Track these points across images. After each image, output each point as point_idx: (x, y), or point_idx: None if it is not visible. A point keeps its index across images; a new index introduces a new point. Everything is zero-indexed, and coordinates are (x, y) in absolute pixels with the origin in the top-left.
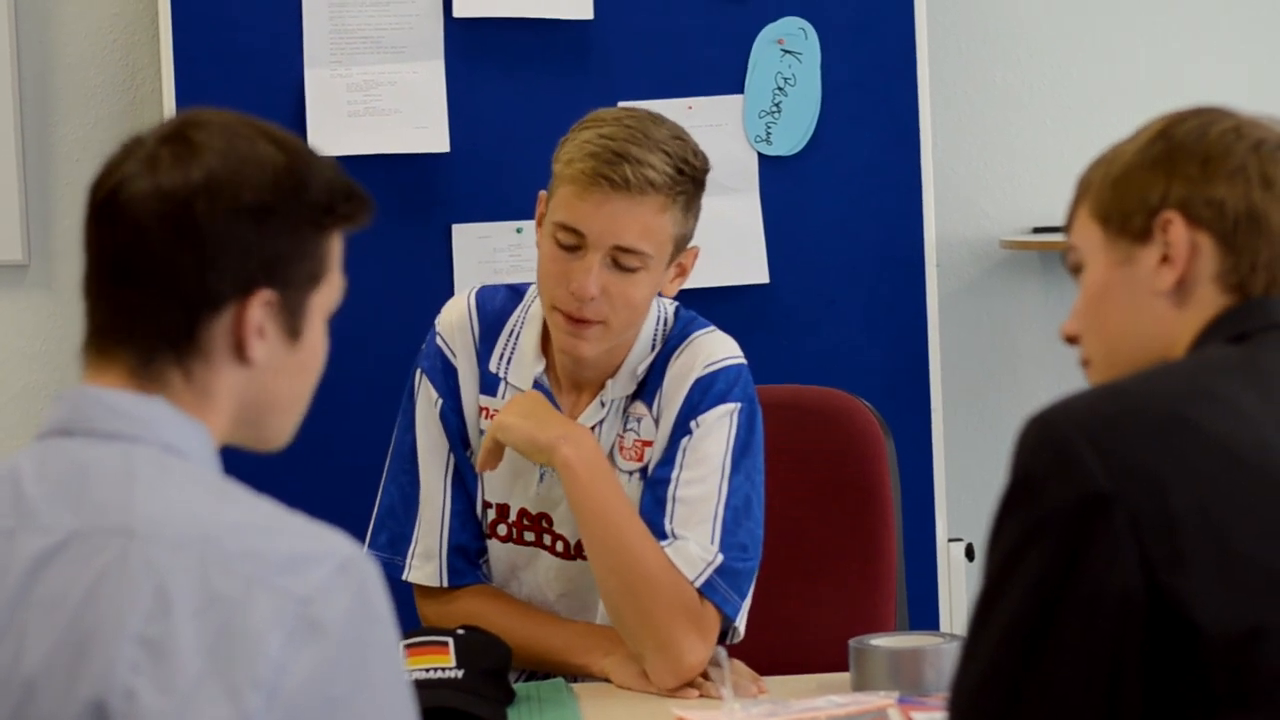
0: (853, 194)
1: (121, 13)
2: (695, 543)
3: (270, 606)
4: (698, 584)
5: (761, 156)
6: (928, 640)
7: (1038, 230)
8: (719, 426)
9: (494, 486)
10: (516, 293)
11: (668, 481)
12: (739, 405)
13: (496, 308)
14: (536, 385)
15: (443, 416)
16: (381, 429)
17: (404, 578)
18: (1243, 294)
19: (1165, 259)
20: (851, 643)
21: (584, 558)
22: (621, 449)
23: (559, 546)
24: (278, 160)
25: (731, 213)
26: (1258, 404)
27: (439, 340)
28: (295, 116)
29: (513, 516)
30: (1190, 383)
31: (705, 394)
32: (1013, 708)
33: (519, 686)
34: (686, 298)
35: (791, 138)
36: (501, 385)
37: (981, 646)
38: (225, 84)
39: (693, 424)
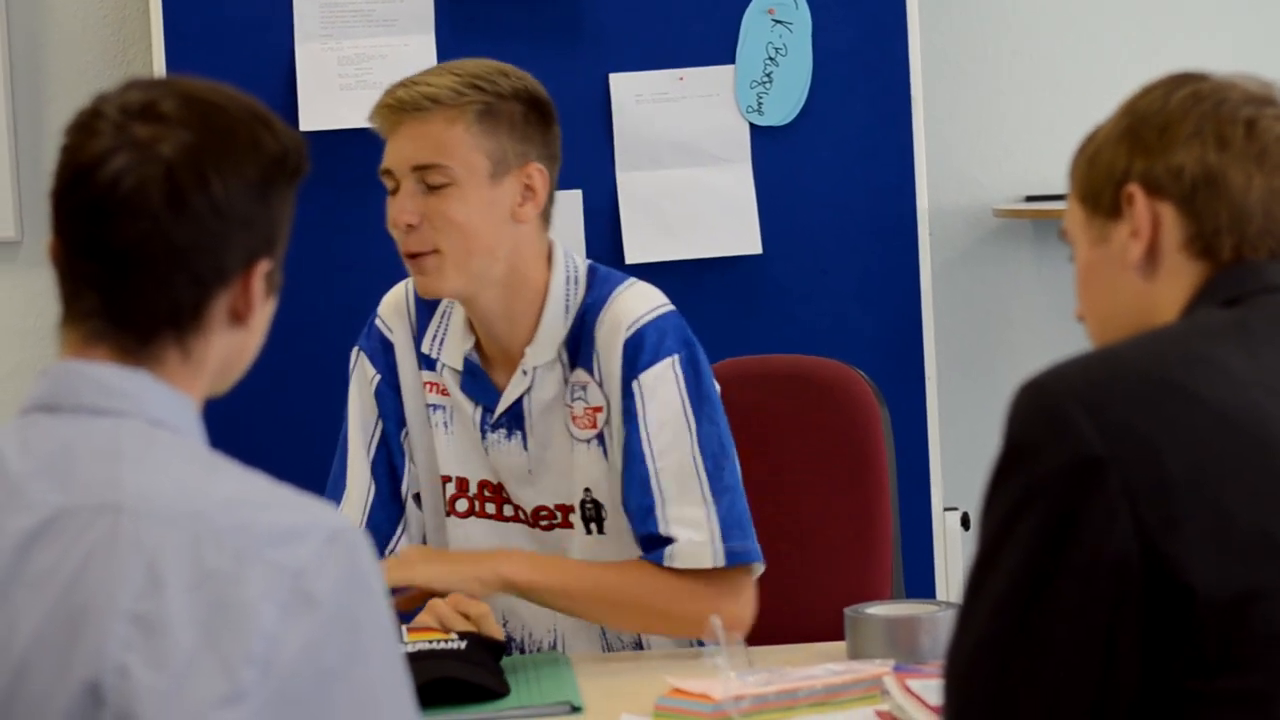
0: (845, 163)
1: None
2: (689, 529)
3: (262, 580)
4: (716, 564)
5: (753, 126)
6: (923, 609)
7: (1031, 199)
8: (664, 383)
9: (450, 459)
10: None
11: (641, 457)
12: (676, 355)
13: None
14: (466, 361)
15: (378, 393)
16: None
17: None
18: (1212, 259)
19: (1134, 233)
20: (847, 611)
21: (543, 526)
22: (574, 419)
23: (521, 515)
24: (261, 130)
25: (724, 183)
26: (1249, 367)
27: (378, 322)
28: (286, 90)
29: (473, 490)
30: (1182, 347)
31: (638, 353)
32: (1008, 673)
33: (517, 659)
34: (680, 268)
35: (783, 107)
36: (438, 365)
37: (977, 613)
38: (216, 58)
39: (634, 386)
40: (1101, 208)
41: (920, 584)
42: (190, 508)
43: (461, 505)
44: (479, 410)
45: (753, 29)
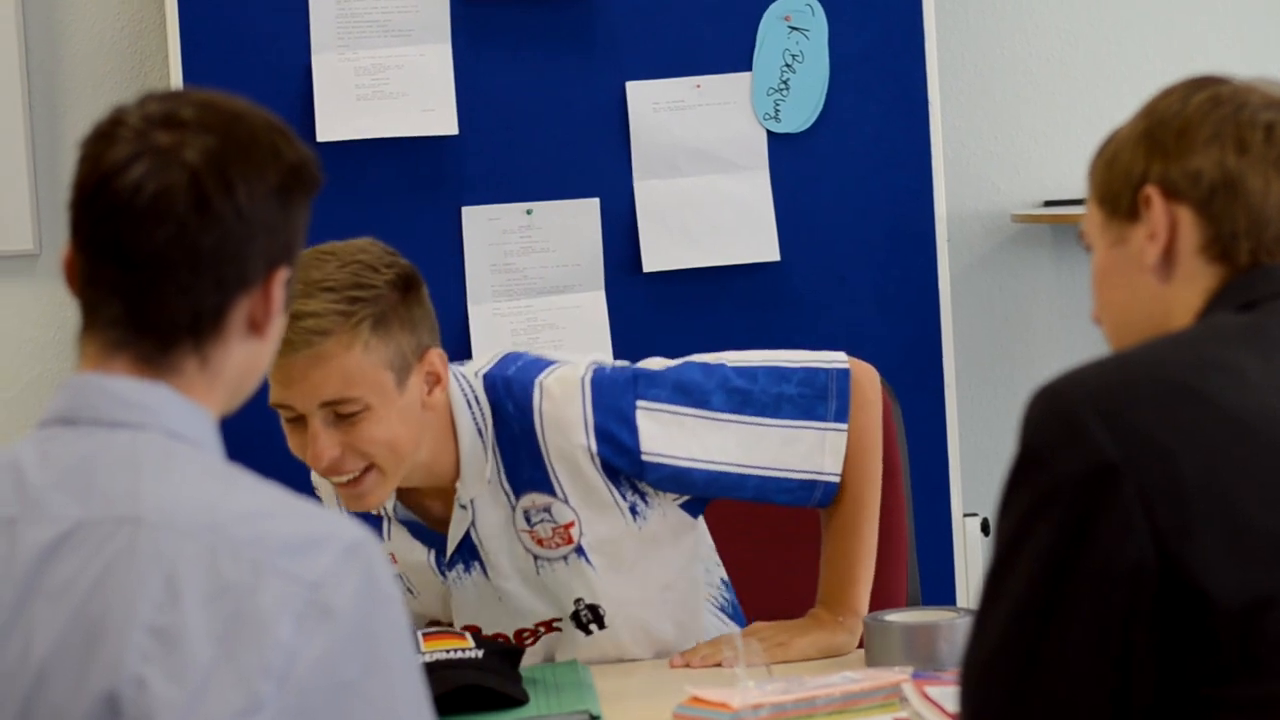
0: (863, 170)
1: (128, 1)
2: (808, 456)
3: (279, 592)
4: (840, 431)
5: (770, 134)
6: (942, 615)
7: (1049, 203)
8: (656, 426)
9: (421, 621)
10: None
11: (720, 477)
12: (633, 401)
13: None
14: (399, 516)
15: None
16: None
17: None
18: (1229, 263)
19: (1151, 235)
20: (866, 618)
21: (528, 644)
22: (539, 541)
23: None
24: (280, 139)
25: (741, 191)
26: (1265, 371)
27: (314, 491)
28: (303, 101)
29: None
30: (1197, 352)
31: (620, 445)
32: (1024, 679)
33: (536, 668)
34: (698, 276)
35: (800, 114)
36: (385, 523)
37: (992, 619)
38: (233, 70)
39: (645, 460)
40: (1119, 210)
41: (940, 590)
42: (208, 520)
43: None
44: (431, 554)
45: (769, 36)
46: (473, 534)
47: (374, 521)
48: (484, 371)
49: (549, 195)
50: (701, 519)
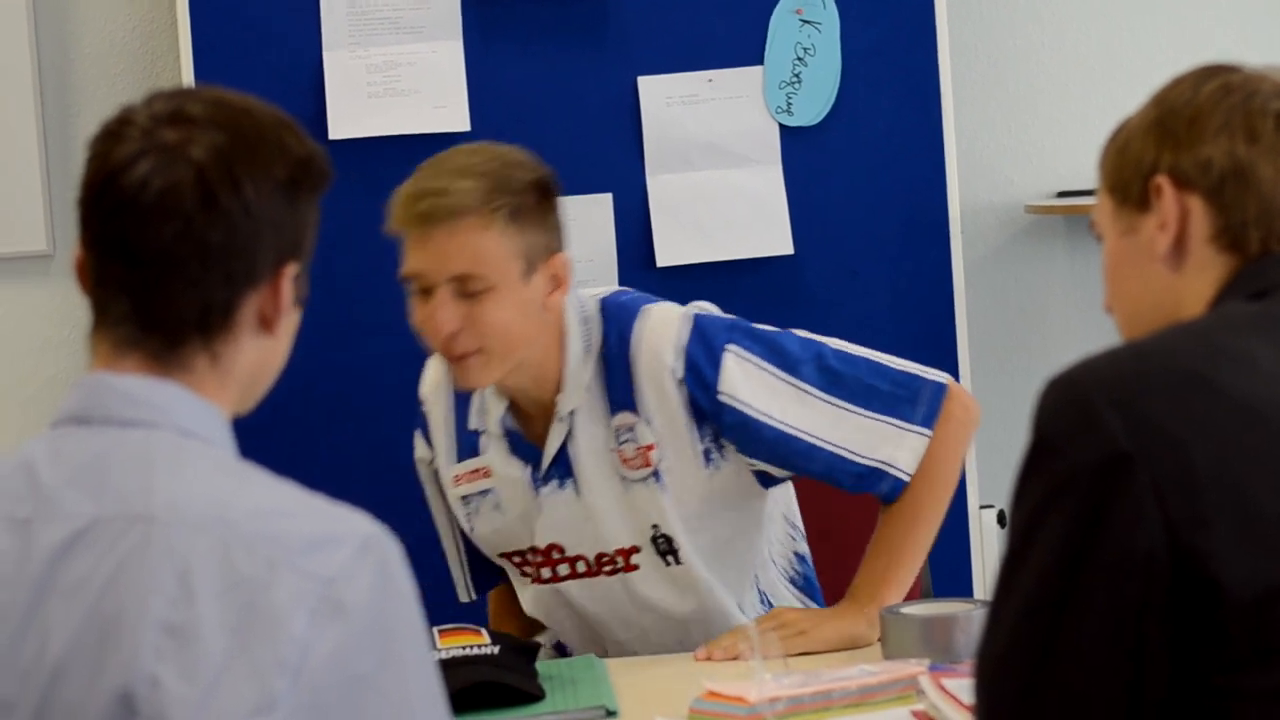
0: (875, 162)
1: (139, 2)
2: (887, 449)
3: (293, 588)
4: (926, 438)
5: (783, 127)
6: (959, 607)
7: (1062, 194)
8: (742, 374)
9: (501, 539)
10: None
11: (791, 440)
12: (731, 346)
13: None
14: (503, 429)
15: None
16: (397, 413)
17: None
18: (1240, 252)
19: (1162, 225)
20: (882, 611)
21: (606, 572)
22: (624, 461)
23: (580, 566)
24: (287, 134)
25: (754, 184)
26: (1277, 360)
27: (421, 404)
28: (315, 99)
29: (537, 558)
30: (1209, 341)
31: (701, 375)
32: (1039, 669)
33: (552, 663)
34: (712, 270)
35: (812, 108)
36: (483, 438)
37: (1006, 609)
38: (244, 69)
39: (721, 400)
40: (1130, 199)
41: (957, 582)
42: (221, 517)
43: (528, 570)
44: (528, 470)
45: (781, 29)
46: (569, 447)
47: (473, 440)
48: (600, 296)
49: (562, 191)
50: (789, 490)
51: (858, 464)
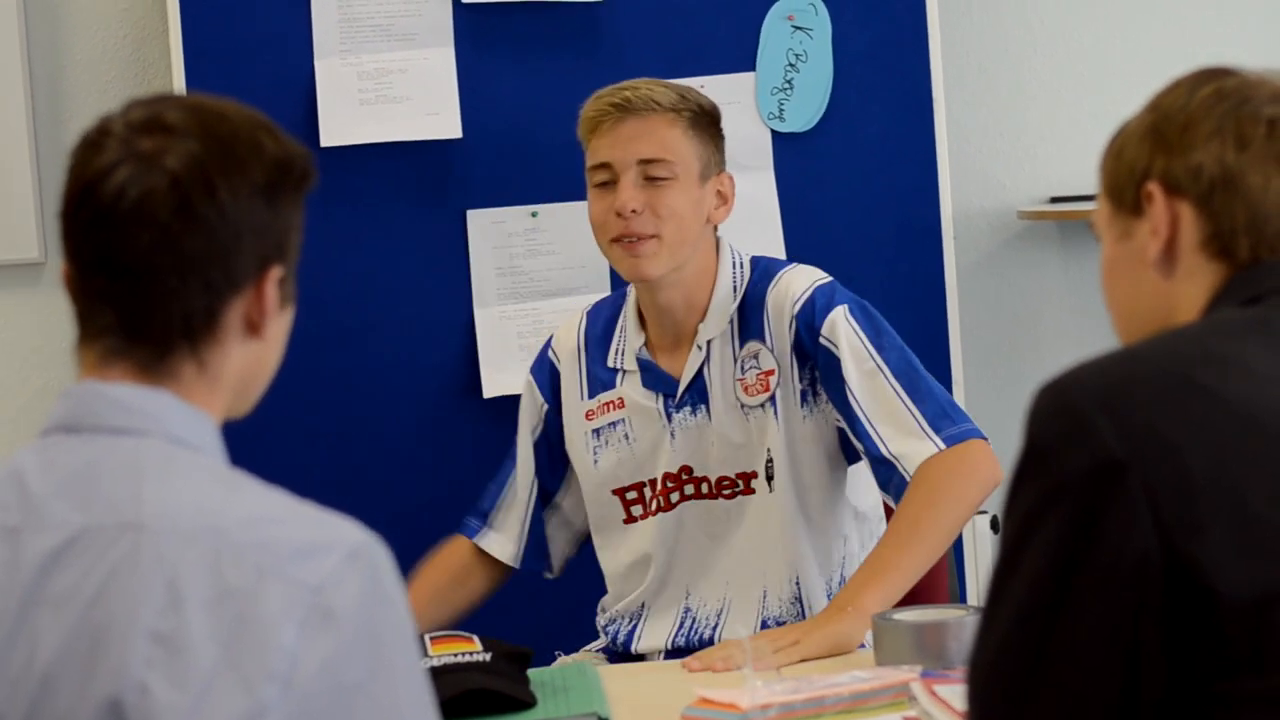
0: (868, 168)
1: (131, 8)
2: (912, 443)
3: (282, 596)
4: (939, 449)
5: (775, 133)
6: (951, 613)
7: (1055, 200)
8: (844, 331)
9: (626, 471)
10: (619, 297)
11: (854, 407)
12: (845, 305)
13: (606, 315)
14: (640, 362)
15: (546, 418)
16: (397, 413)
17: (474, 538)
18: (1230, 260)
19: (1153, 231)
20: (875, 617)
21: (725, 495)
22: (745, 388)
23: (704, 488)
24: (265, 137)
25: (747, 190)
26: (1271, 365)
27: (550, 353)
28: (307, 107)
29: (658, 487)
30: (1202, 346)
31: (812, 314)
32: (1031, 676)
33: (544, 671)
34: None
35: (804, 114)
36: (619, 375)
37: (998, 617)
38: (236, 76)
39: (821, 342)
40: (1125, 204)
41: (951, 588)
42: (211, 525)
43: (637, 510)
44: (661, 399)
45: (772, 35)
46: (705, 373)
47: (608, 377)
48: (755, 255)
49: (554, 198)
50: (876, 507)
51: (879, 451)
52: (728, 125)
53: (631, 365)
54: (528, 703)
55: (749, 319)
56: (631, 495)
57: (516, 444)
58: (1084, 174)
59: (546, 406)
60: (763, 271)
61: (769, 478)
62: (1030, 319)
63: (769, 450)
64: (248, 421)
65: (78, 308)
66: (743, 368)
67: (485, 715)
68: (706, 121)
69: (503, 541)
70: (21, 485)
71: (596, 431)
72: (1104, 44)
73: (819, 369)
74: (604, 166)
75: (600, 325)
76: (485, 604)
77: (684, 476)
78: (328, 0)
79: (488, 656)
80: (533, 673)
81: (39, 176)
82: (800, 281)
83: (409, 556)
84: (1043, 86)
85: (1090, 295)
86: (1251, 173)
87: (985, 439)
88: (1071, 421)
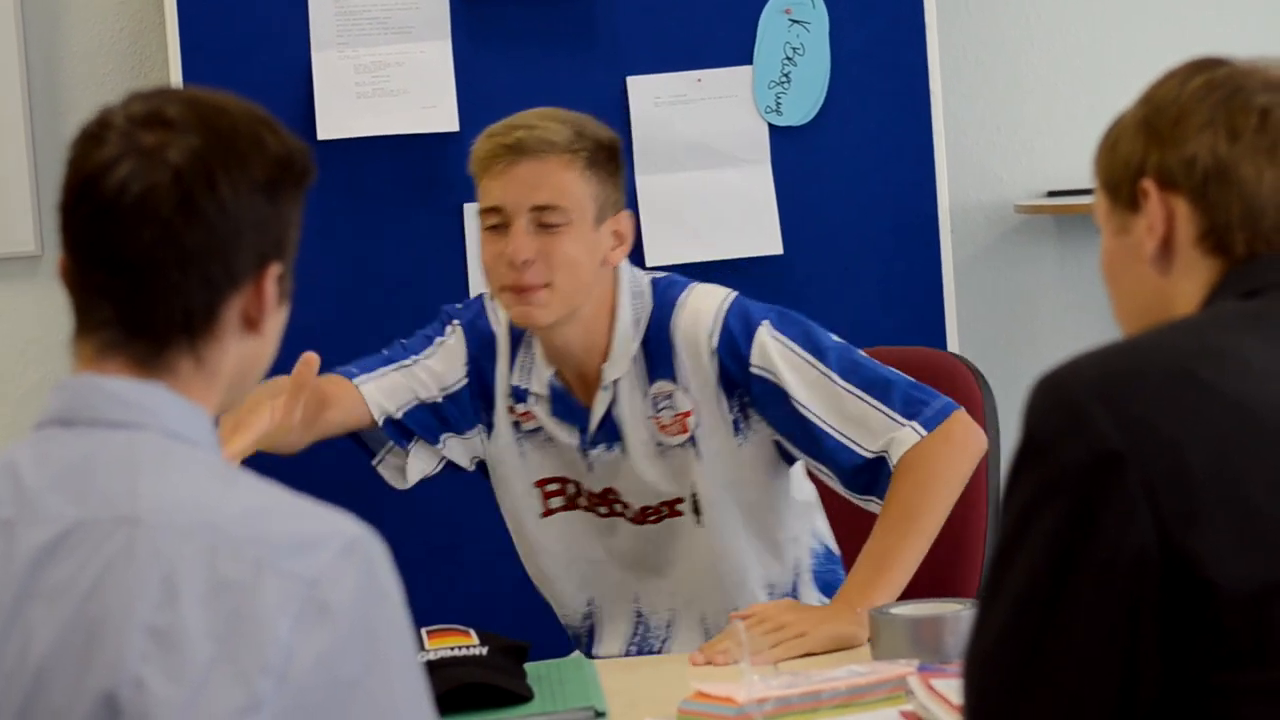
0: (865, 162)
1: (127, 1)
2: (891, 436)
3: (278, 590)
4: (920, 436)
5: (772, 127)
6: (947, 608)
7: (1052, 194)
8: (776, 353)
9: (548, 467)
10: None
11: (809, 424)
12: (766, 321)
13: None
14: (550, 388)
15: (456, 395)
16: None
17: (353, 380)
18: (1225, 255)
19: (1149, 227)
20: (871, 611)
21: (651, 521)
22: (662, 427)
23: (629, 514)
24: (265, 132)
25: (743, 184)
26: (1269, 358)
27: (488, 305)
28: (303, 100)
29: (576, 491)
30: (1201, 339)
31: (735, 346)
32: (1028, 668)
33: (541, 665)
34: (701, 270)
35: (802, 107)
36: (529, 395)
37: (995, 609)
38: (233, 69)
39: (753, 373)
40: (1120, 199)
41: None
42: (206, 519)
43: (557, 502)
44: (575, 433)
45: (770, 29)
46: (614, 412)
47: (522, 395)
48: (655, 277)
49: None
50: (813, 492)
51: (859, 455)
52: (724, 119)
53: (541, 390)
54: (525, 696)
55: (656, 357)
56: (553, 487)
57: (418, 359)
58: (1081, 168)
59: (465, 383)
60: (662, 298)
61: (696, 511)
62: (1027, 312)
63: (693, 486)
64: None
65: (76, 301)
66: (655, 406)
67: (482, 709)
68: (604, 158)
69: (379, 399)
70: (16, 478)
71: (516, 424)
72: (1100, 37)
73: (752, 397)
74: (495, 210)
75: (516, 329)
76: (482, 601)
77: (609, 497)
78: None
79: (484, 650)
80: (529, 667)
81: (35, 169)
82: (706, 310)
83: (404, 550)
84: (1039, 80)
85: (1087, 288)
86: (1244, 164)
87: (959, 408)
88: (1069, 414)
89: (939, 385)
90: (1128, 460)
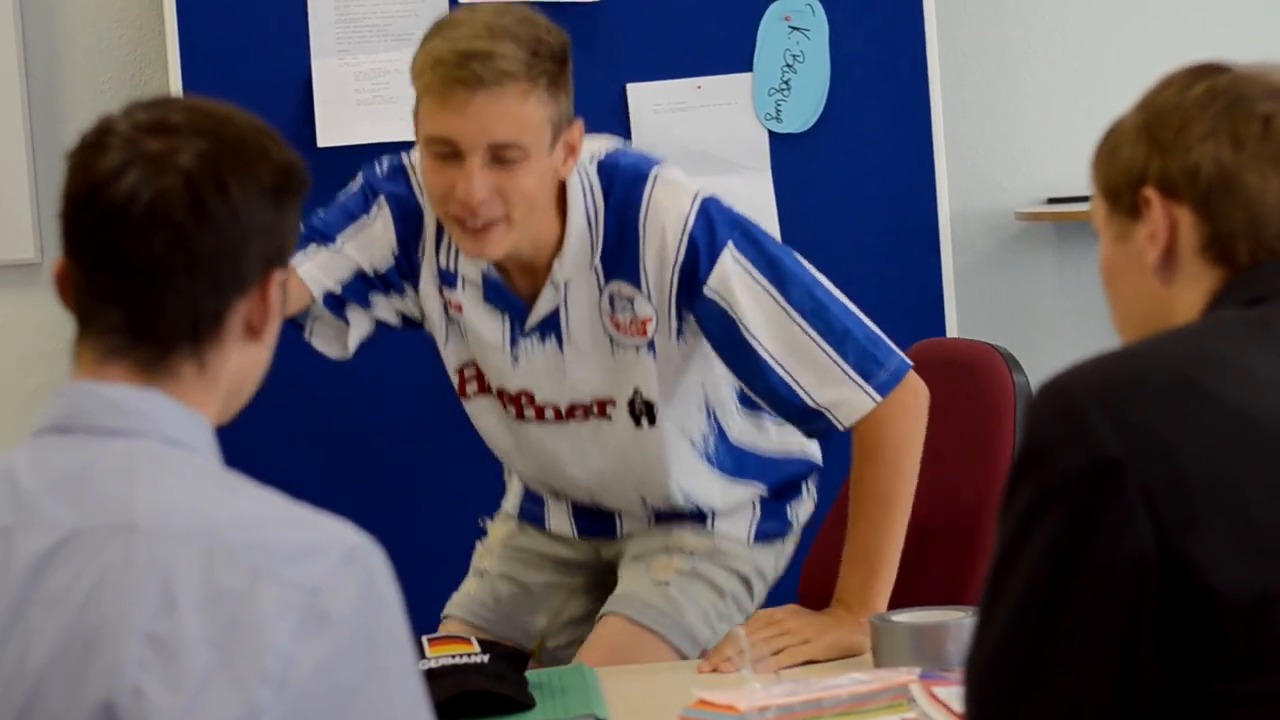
0: (865, 169)
1: (127, 8)
2: (837, 393)
3: (277, 598)
4: (876, 402)
5: (772, 134)
6: (949, 615)
7: (1053, 200)
8: (734, 276)
9: (465, 354)
10: None
11: (754, 352)
12: (730, 243)
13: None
14: (485, 279)
15: (396, 258)
16: (393, 415)
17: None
18: (1229, 264)
19: (1151, 236)
20: (873, 619)
21: (577, 418)
22: (618, 326)
23: (548, 414)
24: (268, 142)
25: (743, 191)
26: (1270, 366)
27: (412, 178)
28: (304, 107)
29: (493, 390)
30: (1201, 346)
31: (695, 263)
32: (1028, 675)
33: (542, 672)
34: None
35: (802, 114)
36: (458, 280)
37: (995, 615)
38: (232, 77)
39: (706, 293)
40: (1121, 205)
41: None
42: (204, 526)
43: (472, 387)
44: (505, 320)
45: (770, 36)
46: (560, 312)
47: (450, 279)
48: (598, 158)
49: None
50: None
51: (804, 402)
52: (724, 126)
53: (473, 276)
54: (526, 704)
55: (618, 256)
56: (470, 372)
57: (344, 237)
58: (1081, 174)
59: (392, 265)
60: (621, 188)
61: (638, 414)
62: (1027, 319)
63: (638, 389)
64: (243, 422)
65: (79, 307)
66: (613, 304)
67: (483, 717)
68: (558, 71)
69: (317, 277)
70: (13, 485)
71: (445, 308)
72: (1101, 44)
73: (698, 316)
74: (445, 141)
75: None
76: None
77: (522, 401)
78: (324, 0)
79: (485, 658)
80: (530, 674)
81: (35, 177)
82: (675, 216)
83: (406, 558)
84: (1040, 87)
85: (1087, 295)
86: (1248, 173)
87: (910, 367)
88: (1069, 421)
89: (980, 384)
90: (1127, 467)
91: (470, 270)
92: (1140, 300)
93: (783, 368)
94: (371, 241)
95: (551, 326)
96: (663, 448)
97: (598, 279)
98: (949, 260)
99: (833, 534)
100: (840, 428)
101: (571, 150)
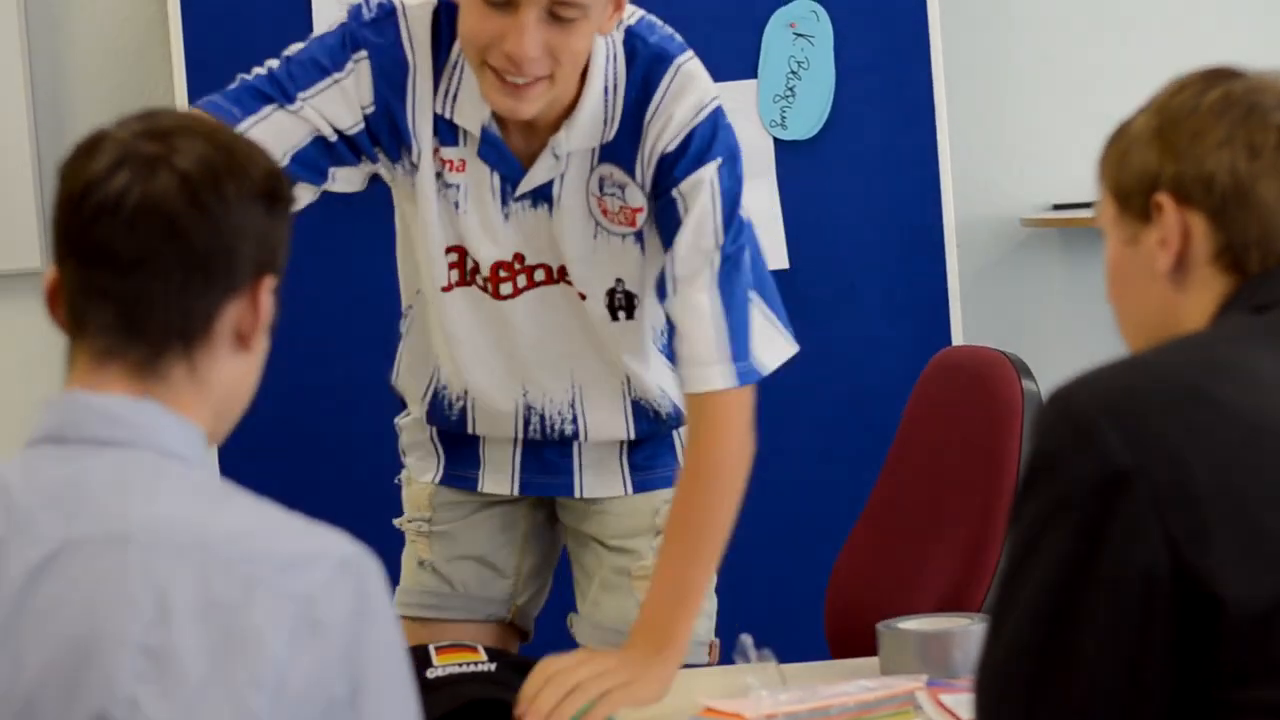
0: (870, 176)
1: (131, 18)
2: (702, 351)
3: (271, 608)
4: (732, 381)
5: (777, 141)
6: (956, 623)
7: (1058, 207)
8: (704, 196)
9: (454, 234)
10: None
11: (665, 265)
12: (717, 161)
13: (451, 31)
14: (484, 132)
15: (368, 120)
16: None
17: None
18: (1240, 273)
19: (1163, 242)
20: (879, 626)
21: (567, 282)
22: (605, 212)
23: (538, 276)
24: (256, 152)
25: (748, 198)
26: (1278, 374)
27: (402, 25)
28: None
29: (486, 271)
30: (1210, 354)
31: (677, 160)
32: (1039, 685)
33: None
34: None
35: (806, 121)
36: (460, 133)
37: (1006, 624)
38: None
39: (675, 192)
40: (1131, 209)
41: None
42: (199, 537)
43: (454, 275)
44: (497, 178)
45: (774, 43)
46: (556, 182)
47: (450, 137)
48: (628, 24)
49: None
50: None
51: (668, 321)
52: None
53: (469, 126)
54: None
55: (619, 140)
56: (453, 258)
57: (307, 97)
58: (1087, 181)
59: (362, 127)
60: (640, 70)
61: (618, 307)
62: (1034, 326)
63: (620, 280)
64: (236, 430)
65: (72, 310)
66: (601, 187)
67: None
68: None
69: (266, 143)
70: (6, 497)
71: (440, 174)
72: (1106, 51)
73: (659, 207)
74: None
75: (447, 39)
76: None
77: (517, 266)
78: (329, 11)
79: (493, 667)
80: None
81: (40, 186)
82: (686, 107)
83: (393, 569)
84: (1044, 93)
85: (1094, 302)
86: (1263, 183)
87: (759, 377)
88: (1077, 431)
89: (985, 390)
90: (1136, 477)
91: (469, 121)
92: (1148, 305)
93: (675, 280)
94: (341, 98)
95: (544, 196)
96: (642, 341)
97: (592, 157)
98: (954, 267)
99: (862, 539)
100: (684, 389)
101: (619, 5)
